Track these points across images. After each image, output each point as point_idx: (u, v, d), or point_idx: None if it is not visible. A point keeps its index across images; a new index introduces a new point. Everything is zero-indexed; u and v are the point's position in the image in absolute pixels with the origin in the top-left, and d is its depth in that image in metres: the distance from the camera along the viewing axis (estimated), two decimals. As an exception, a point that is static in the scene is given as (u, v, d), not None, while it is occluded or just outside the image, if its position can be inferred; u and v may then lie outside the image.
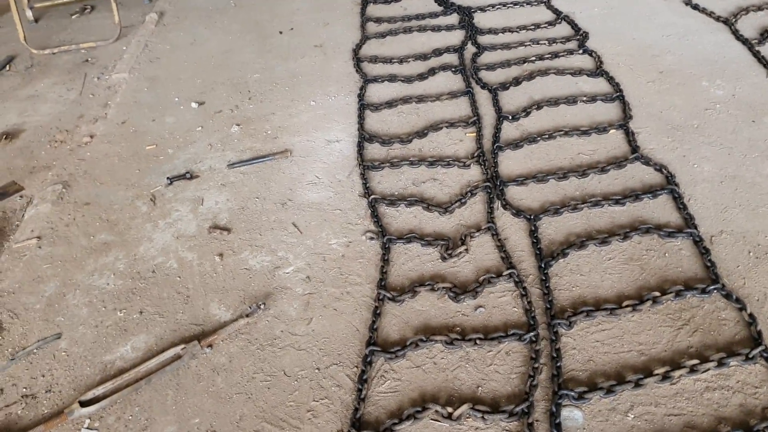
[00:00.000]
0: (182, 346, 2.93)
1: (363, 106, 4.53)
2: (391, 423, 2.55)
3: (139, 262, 3.47)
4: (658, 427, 2.45)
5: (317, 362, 2.85)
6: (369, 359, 2.80)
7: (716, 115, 4.06)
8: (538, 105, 4.29)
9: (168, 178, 4.04)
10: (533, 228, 3.35)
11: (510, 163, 3.86)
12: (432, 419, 2.57)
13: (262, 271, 3.34)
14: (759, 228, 3.20)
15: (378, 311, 3.01)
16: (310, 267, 3.33)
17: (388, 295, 3.07)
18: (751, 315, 2.75)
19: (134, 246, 3.58)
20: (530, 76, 4.59)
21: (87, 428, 2.66)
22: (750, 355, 2.60)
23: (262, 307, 3.08)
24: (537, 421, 2.52)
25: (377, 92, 4.73)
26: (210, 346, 2.96)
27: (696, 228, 3.20)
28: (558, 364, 2.68)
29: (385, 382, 2.74)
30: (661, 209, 3.39)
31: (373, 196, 3.67)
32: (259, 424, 2.64)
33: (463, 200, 3.60)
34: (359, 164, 3.97)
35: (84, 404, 2.72)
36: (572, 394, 2.56)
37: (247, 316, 3.05)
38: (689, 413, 2.48)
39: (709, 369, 2.59)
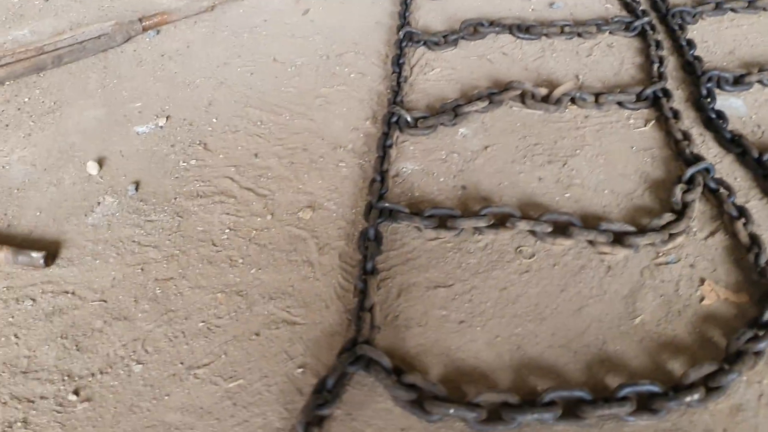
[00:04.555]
0: (113, 21, 1.89)
1: None
2: (455, 104, 1.61)
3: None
4: None
5: (324, 50, 1.88)
6: (404, 43, 1.84)
7: None
8: None
9: None
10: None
11: None
12: (515, 106, 1.65)
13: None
14: None
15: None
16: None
17: (422, -17, 2.10)
18: None
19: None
20: None
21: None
22: None
23: (234, -14, 2.07)
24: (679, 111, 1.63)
25: None
26: (156, 29, 1.93)
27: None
28: (692, 52, 1.79)
29: (433, 70, 1.80)
30: None
31: None
32: (242, 109, 1.66)
33: None
34: None
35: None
36: (726, 76, 1.68)
37: (212, -2, 2.03)
38: None
39: None
